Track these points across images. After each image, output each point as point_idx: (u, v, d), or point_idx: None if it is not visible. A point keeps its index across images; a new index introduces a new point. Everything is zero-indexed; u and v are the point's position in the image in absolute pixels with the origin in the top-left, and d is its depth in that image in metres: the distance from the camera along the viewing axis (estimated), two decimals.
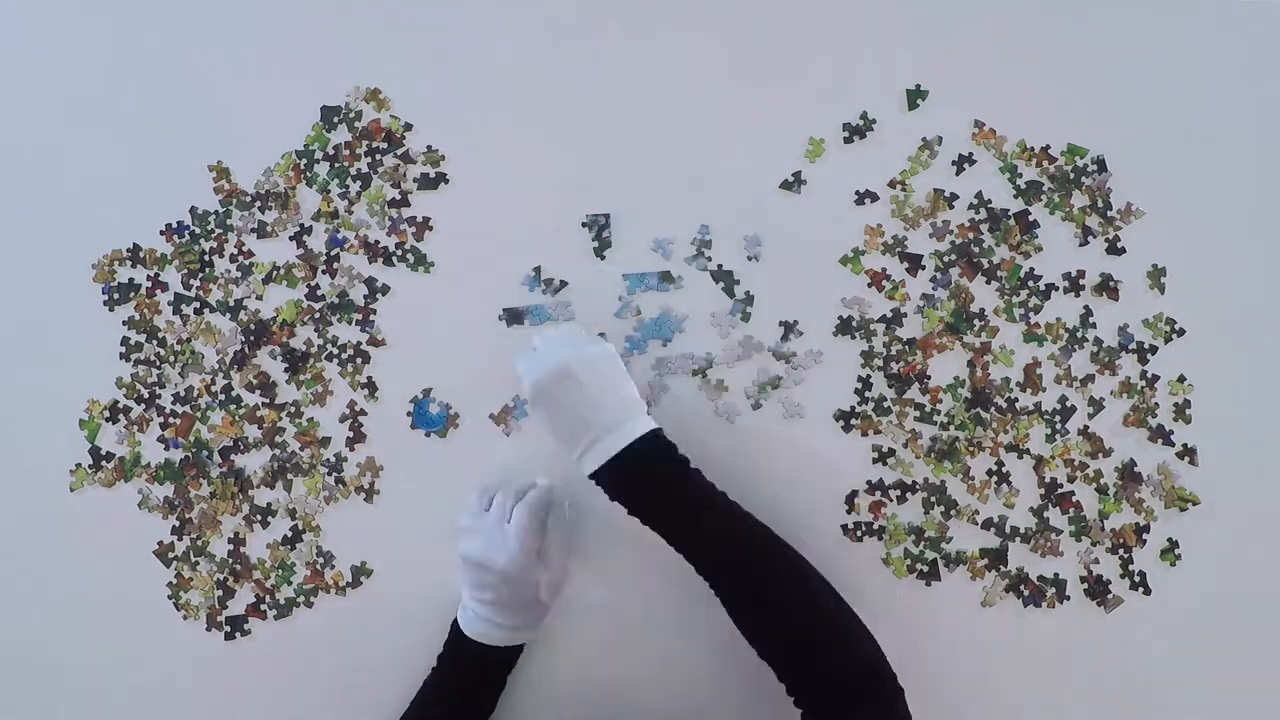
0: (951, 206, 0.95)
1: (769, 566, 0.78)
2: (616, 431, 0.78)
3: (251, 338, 0.95)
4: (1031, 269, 0.94)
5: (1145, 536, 0.92)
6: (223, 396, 0.94)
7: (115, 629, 0.93)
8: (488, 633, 0.84)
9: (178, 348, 0.95)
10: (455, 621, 0.86)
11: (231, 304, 0.95)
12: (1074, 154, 0.96)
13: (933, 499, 0.93)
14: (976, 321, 0.94)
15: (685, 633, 0.91)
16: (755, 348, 0.94)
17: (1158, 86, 0.96)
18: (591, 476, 0.79)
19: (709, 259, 0.94)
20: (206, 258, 0.96)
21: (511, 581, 0.82)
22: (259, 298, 0.95)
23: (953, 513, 0.92)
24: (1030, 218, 0.95)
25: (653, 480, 0.80)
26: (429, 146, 0.96)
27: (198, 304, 0.95)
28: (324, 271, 0.95)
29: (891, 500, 0.93)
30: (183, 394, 0.95)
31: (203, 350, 0.95)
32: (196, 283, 0.96)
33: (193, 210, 0.96)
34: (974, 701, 0.91)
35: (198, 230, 0.96)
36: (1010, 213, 0.94)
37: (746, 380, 0.94)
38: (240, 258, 0.96)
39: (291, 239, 0.96)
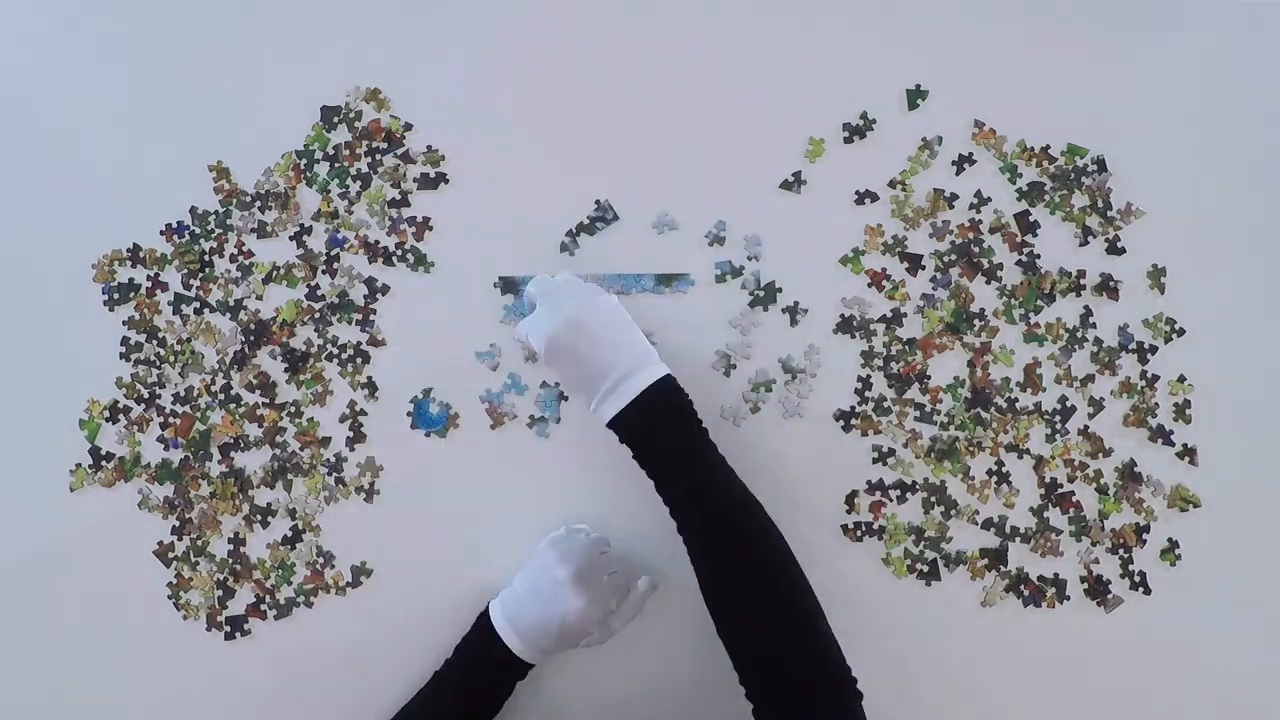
0: (951, 206, 0.95)
1: (752, 546, 0.77)
2: (632, 378, 0.78)
3: (251, 338, 0.95)
4: (1043, 288, 0.94)
5: (1145, 536, 0.92)
6: (223, 396, 0.94)
7: (115, 629, 0.93)
8: (517, 643, 0.84)
9: (178, 348, 0.95)
10: (485, 617, 0.86)
11: (231, 304, 0.95)
12: (1074, 154, 0.95)
13: (933, 499, 0.93)
14: (976, 321, 0.94)
15: (686, 658, 0.91)
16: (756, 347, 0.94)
17: (1158, 86, 0.96)
18: (610, 425, 0.80)
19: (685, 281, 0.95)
20: (206, 258, 0.96)
21: (571, 624, 0.83)
22: (259, 298, 0.95)
23: (953, 513, 0.92)
24: (1030, 218, 0.95)
25: (667, 425, 0.79)
26: (429, 146, 0.96)
27: (198, 304, 0.95)
28: (324, 271, 0.95)
29: (891, 500, 0.93)
30: (183, 394, 0.95)
31: (203, 350, 0.95)
32: (196, 283, 0.96)
33: (193, 210, 0.96)
34: (974, 701, 0.90)
35: (198, 230, 0.96)
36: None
37: (744, 381, 0.94)
38: (240, 258, 0.96)
39: (291, 239, 0.96)
